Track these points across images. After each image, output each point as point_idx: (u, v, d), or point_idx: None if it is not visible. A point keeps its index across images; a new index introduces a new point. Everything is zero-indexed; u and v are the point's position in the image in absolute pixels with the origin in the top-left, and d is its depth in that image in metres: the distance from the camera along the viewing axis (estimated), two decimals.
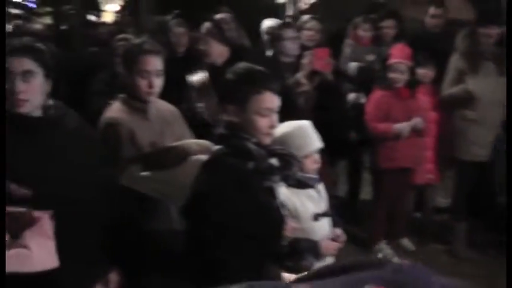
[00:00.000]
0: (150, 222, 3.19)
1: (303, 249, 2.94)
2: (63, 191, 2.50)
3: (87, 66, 5.33)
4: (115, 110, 3.28)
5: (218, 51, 4.47)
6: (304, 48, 5.31)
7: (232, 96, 2.65)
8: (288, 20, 7.73)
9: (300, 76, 4.97)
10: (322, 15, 6.68)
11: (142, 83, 3.23)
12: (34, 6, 18.10)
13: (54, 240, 2.16)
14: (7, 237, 2.01)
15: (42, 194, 2.33)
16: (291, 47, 5.23)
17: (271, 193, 2.74)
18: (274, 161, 2.68)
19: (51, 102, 2.69)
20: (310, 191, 3.23)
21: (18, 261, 1.94)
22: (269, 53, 5.79)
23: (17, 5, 18.01)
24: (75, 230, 2.50)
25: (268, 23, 6.33)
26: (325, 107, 4.98)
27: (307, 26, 5.75)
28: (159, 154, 3.13)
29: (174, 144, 3.19)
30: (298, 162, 2.77)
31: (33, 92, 2.55)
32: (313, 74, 5.04)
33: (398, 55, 5.06)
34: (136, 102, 3.27)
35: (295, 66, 5.14)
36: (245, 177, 2.58)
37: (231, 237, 2.52)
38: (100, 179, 2.75)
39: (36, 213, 2.12)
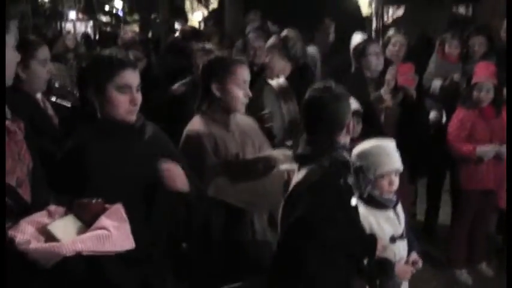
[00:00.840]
0: (234, 232, 3.23)
1: (390, 268, 2.97)
2: (145, 198, 2.58)
3: (167, 73, 5.44)
4: (197, 123, 3.30)
5: (280, 67, 4.48)
6: (388, 63, 5.25)
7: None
8: (372, 34, 7.67)
9: (383, 92, 4.91)
10: (405, 29, 6.61)
11: (240, 94, 3.26)
12: (122, 14, 18.74)
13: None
14: (80, 227, 2.09)
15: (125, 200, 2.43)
16: (375, 62, 5.19)
17: (357, 211, 2.81)
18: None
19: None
20: (388, 212, 3.17)
21: (98, 241, 2.01)
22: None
23: (107, 13, 18.72)
24: (151, 235, 2.57)
25: (357, 38, 6.27)
26: (407, 123, 4.90)
27: (393, 41, 5.67)
28: (247, 165, 3.18)
29: (261, 155, 3.25)
30: (369, 177, 2.86)
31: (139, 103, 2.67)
32: (396, 89, 4.97)
33: (483, 73, 4.92)
34: (219, 115, 3.29)
35: (379, 82, 5.08)
36: (343, 195, 2.65)
37: (331, 255, 2.61)
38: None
39: (107, 204, 2.20)
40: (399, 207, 3.23)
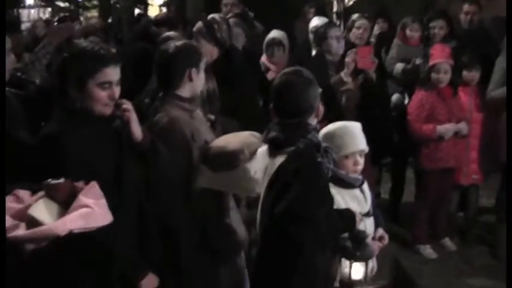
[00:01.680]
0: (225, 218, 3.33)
1: (364, 237, 3.08)
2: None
3: (137, 62, 5.41)
4: (171, 110, 3.27)
5: (207, 51, 4.42)
6: (350, 46, 5.33)
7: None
8: (334, 17, 7.73)
9: (343, 74, 4.98)
10: (367, 12, 6.70)
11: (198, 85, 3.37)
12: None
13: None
14: (56, 207, 2.13)
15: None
16: (335, 45, 5.26)
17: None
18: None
19: None
20: (355, 191, 3.25)
21: (85, 218, 2.07)
22: (314, 51, 5.87)
23: None
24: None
25: (315, 21, 6.34)
26: (368, 106, 5.01)
27: (357, 24, 5.73)
28: (231, 154, 3.11)
29: (241, 141, 3.17)
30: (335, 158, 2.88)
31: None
32: (356, 72, 5.05)
33: (439, 55, 5.08)
34: (185, 103, 3.30)
35: (340, 65, 5.15)
36: (327, 175, 2.75)
37: (323, 235, 2.71)
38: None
39: (79, 183, 2.24)
40: (365, 186, 3.31)
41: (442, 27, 5.85)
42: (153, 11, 14.64)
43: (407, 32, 6.15)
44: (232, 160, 3.03)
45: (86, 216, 2.09)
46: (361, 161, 3.26)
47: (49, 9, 16.38)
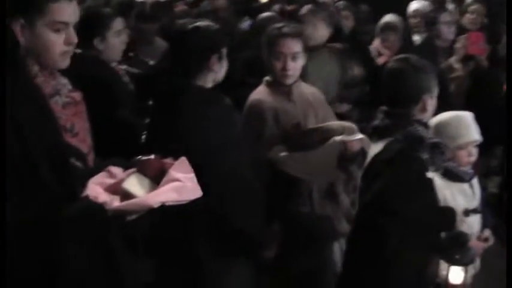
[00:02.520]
0: (293, 203, 3.28)
1: (466, 241, 2.92)
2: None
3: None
4: (260, 92, 3.40)
5: (319, 32, 4.39)
6: (463, 31, 5.16)
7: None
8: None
9: (453, 61, 4.82)
10: None
11: (277, 65, 3.32)
12: None
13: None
14: (148, 182, 2.16)
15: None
16: (446, 30, 5.09)
17: (433, 185, 2.77)
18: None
19: None
20: (463, 185, 3.13)
21: (177, 191, 2.11)
22: (418, 36, 5.67)
23: None
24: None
25: (415, 5, 6.10)
26: (478, 93, 4.84)
27: (470, 9, 5.53)
28: (303, 135, 3.22)
29: (319, 125, 3.28)
30: (446, 153, 2.75)
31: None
32: (467, 59, 4.86)
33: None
34: (280, 85, 3.37)
35: (450, 51, 5.00)
36: (425, 170, 2.63)
37: (412, 232, 2.58)
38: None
39: (167, 160, 2.26)
40: (475, 181, 3.19)
41: None
42: None
43: None
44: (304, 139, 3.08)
45: (177, 189, 2.14)
46: (475, 152, 3.14)
47: None
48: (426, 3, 6.14)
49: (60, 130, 2.04)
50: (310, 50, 3.78)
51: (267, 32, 3.47)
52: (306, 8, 4.51)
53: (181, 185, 2.13)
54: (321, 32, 4.35)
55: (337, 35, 4.57)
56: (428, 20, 5.40)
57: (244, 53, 4.50)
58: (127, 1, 5.82)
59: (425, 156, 2.61)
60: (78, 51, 2.72)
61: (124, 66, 3.90)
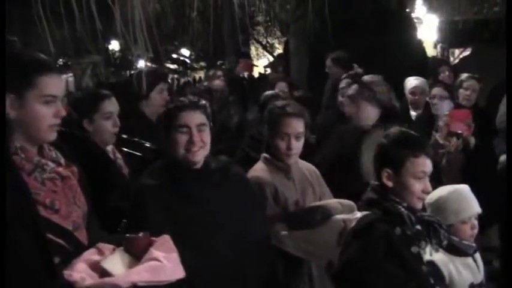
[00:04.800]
0: (293, 282, 3.24)
1: None
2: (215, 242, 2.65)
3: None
4: (259, 169, 3.38)
5: (368, 114, 4.31)
6: (458, 106, 5.21)
7: (389, 161, 2.71)
8: (440, 77, 7.56)
9: (438, 137, 4.82)
10: (473, 70, 6.54)
11: (282, 145, 3.32)
12: (188, 61, 19.18)
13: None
14: (130, 261, 2.15)
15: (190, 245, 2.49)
16: (439, 105, 5.14)
17: (419, 259, 2.74)
18: (419, 227, 2.70)
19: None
20: (467, 259, 3.15)
21: (152, 272, 2.08)
22: (414, 112, 5.74)
23: (174, 61, 19.18)
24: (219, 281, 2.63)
25: (413, 81, 6.21)
26: (471, 169, 4.84)
27: (465, 85, 5.61)
28: (303, 213, 3.20)
29: (319, 203, 3.26)
30: (444, 230, 2.76)
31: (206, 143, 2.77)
32: (451, 135, 4.86)
33: None
34: (280, 162, 3.36)
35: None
36: (393, 243, 2.60)
37: None
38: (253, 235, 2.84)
39: (153, 238, 2.25)
40: (478, 255, 3.21)
41: None
42: (256, 72, 14.97)
43: None
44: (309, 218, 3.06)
45: (153, 269, 2.09)
46: (477, 224, 3.17)
47: None
48: (422, 79, 6.26)
49: (34, 206, 2.07)
50: (362, 132, 3.84)
51: (270, 110, 3.47)
52: (352, 89, 4.48)
53: (158, 264, 2.10)
54: (366, 112, 4.27)
55: (391, 112, 4.40)
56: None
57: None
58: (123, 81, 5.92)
59: (412, 230, 2.63)
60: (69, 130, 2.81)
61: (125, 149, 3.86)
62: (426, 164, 2.71)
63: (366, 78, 4.57)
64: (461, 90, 5.55)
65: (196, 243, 2.57)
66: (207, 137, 2.79)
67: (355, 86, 4.48)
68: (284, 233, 3.12)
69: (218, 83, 6.87)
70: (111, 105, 3.50)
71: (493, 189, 4.92)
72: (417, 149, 2.71)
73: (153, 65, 17.22)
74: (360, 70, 6.32)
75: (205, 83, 7.21)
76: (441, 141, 4.77)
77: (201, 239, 2.62)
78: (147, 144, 4.02)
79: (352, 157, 3.93)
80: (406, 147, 2.72)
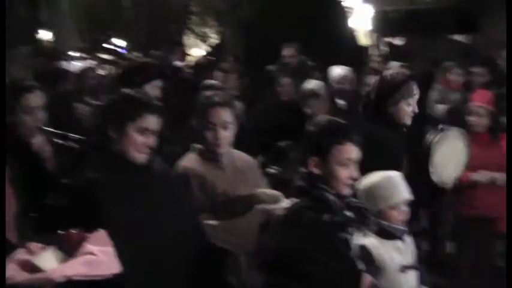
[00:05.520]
0: (222, 274, 3.21)
1: None
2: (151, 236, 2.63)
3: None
4: (188, 159, 3.37)
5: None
6: None
7: (315, 148, 2.73)
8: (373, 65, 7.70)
9: None
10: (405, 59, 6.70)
11: (210, 135, 3.31)
12: (124, 51, 18.90)
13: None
14: (62, 257, 2.13)
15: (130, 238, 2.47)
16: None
17: (347, 245, 2.79)
18: (349, 213, 2.75)
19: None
20: (398, 243, 3.21)
21: (86, 265, 2.06)
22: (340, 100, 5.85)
23: (109, 51, 18.85)
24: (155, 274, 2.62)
25: (337, 70, 6.28)
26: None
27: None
28: (227, 203, 3.20)
29: (243, 193, 3.25)
30: (372, 215, 2.87)
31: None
32: None
33: (478, 99, 5.00)
34: (209, 153, 3.35)
35: None
36: (321, 230, 2.65)
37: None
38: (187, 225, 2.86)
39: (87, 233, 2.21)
40: (409, 238, 3.27)
41: (485, 74, 5.80)
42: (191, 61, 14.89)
43: (451, 76, 6.13)
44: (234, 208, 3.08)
45: (87, 263, 2.07)
46: (406, 210, 3.23)
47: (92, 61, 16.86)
48: (347, 68, 6.32)
49: None
50: None
51: (198, 101, 3.47)
52: None
53: (92, 258, 2.08)
54: None
55: None
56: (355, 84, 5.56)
57: None
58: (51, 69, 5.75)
59: (337, 218, 2.68)
60: None
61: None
62: (352, 151, 2.75)
63: None
64: None
65: (136, 237, 2.57)
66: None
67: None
68: (207, 223, 3.10)
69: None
70: (32, 100, 3.38)
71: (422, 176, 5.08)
72: (343, 137, 2.74)
73: (85, 55, 16.95)
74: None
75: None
76: None
77: (142, 233, 2.61)
78: (76, 136, 3.92)
79: None
80: (331, 135, 2.75)
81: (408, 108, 3.84)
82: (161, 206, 2.77)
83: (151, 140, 2.74)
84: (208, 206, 3.19)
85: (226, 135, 3.35)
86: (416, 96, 3.90)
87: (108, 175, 2.65)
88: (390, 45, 14.16)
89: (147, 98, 2.86)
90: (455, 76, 6.15)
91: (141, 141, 2.70)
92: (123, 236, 2.46)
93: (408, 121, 3.89)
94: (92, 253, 2.11)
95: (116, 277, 2.15)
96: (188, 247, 2.83)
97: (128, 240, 2.48)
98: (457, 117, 5.47)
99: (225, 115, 3.34)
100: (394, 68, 5.95)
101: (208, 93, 3.51)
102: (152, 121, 2.74)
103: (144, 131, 2.72)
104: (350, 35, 10.63)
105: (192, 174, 3.25)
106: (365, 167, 2.95)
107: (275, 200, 3.05)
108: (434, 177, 4.16)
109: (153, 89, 4.10)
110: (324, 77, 6.41)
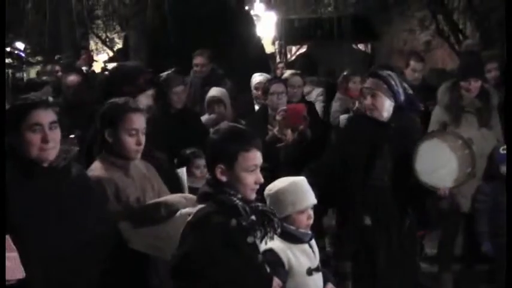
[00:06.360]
0: (142, 279, 3.21)
1: None
2: (60, 241, 2.63)
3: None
4: (97, 168, 3.28)
5: (385, 107, 4.36)
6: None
7: (221, 156, 2.77)
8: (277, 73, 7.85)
9: (276, 132, 4.97)
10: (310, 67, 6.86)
11: (131, 141, 3.25)
12: (23, 55, 18.26)
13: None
14: None
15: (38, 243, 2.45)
16: (276, 101, 5.30)
17: (255, 249, 2.85)
18: (254, 218, 2.79)
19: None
20: (304, 246, 3.28)
21: None
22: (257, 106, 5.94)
23: (8, 55, 18.14)
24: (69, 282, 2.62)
25: (258, 77, 6.42)
26: (307, 160, 4.99)
27: (290, 82, 5.81)
28: (147, 209, 3.17)
29: (162, 199, 3.24)
30: (278, 219, 2.89)
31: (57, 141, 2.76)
32: (287, 128, 5.03)
33: None
34: (118, 160, 3.28)
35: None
36: (229, 234, 2.69)
37: None
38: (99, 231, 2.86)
39: None
40: (313, 241, 3.36)
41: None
42: (97, 67, 14.60)
43: (351, 85, 6.31)
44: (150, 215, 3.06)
45: None
46: (312, 214, 3.31)
47: None
48: (267, 75, 6.46)
49: None
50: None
51: (110, 107, 3.34)
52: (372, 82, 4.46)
53: None
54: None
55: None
56: (263, 90, 5.63)
57: None
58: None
59: (247, 220, 2.73)
60: None
61: None
62: (257, 157, 2.81)
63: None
64: (288, 88, 5.71)
65: (42, 240, 2.56)
66: (58, 135, 2.78)
67: (370, 79, 4.46)
68: (128, 229, 3.08)
69: (73, 78, 6.39)
70: (42, 116, 3.10)
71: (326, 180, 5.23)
72: (248, 144, 2.79)
73: None
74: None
75: (44, 78, 6.87)
76: (278, 135, 4.90)
77: (47, 236, 2.60)
78: None
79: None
80: (236, 143, 2.78)
81: None
82: (71, 211, 2.75)
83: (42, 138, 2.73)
84: (124, 213, 3.15)
85: (144, 141, 3.31)
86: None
87: (13, 181, 2.61)
88: (295, 53, 14.50)
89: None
90: (354, 84, 6.27)
91: (35, 140, 2.70)
92: (28, 242, 2.45)
93: None
94: None
95: (20, 283, 2.14)
96: (101, 253, 2.83)
97: (33, 246, 2.46)
98: None
99: (143, 121, 3.32)
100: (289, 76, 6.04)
101: (121, 99, 3.38)
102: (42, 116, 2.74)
103: (33, 126, 2.71)
104: (257, 43, 10.74)
105: (105, 183, 3.19)
106: None
107: (194, 203, 3.07)
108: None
109: (146, 98, 3.90)
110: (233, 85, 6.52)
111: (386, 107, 4.34)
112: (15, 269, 2.12)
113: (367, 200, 4.37)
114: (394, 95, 4.33)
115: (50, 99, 2.82)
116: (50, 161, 2.76)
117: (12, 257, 2.14)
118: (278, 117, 4.95)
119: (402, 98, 4.37)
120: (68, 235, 2.67)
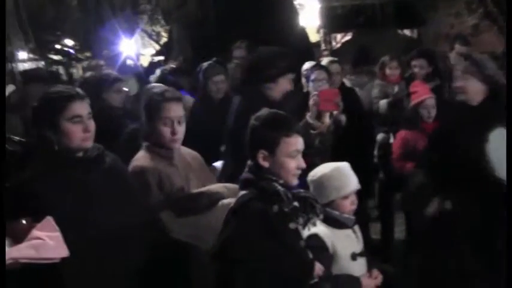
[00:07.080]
0: (183, 267, 3.23)
1: (342, 285, 3.07)
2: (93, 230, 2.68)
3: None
4: (141, 157, 3.35)
5: (476, 90, 4.09)
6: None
7: (263, 141, 2.80)
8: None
9: (308, 117, 4.94)
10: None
11: (166, 131, 3.32)
12: (73, 52, 18.59)
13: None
14: (11, 243, 2.18)
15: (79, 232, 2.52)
16: (318, 88, 5.25)
17: (297, 235, 2.87)
18: (297, 204, 2.81)
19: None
20: (348, 231, 3.30)
21: (33, 249, 2.08)
22: None
23: (58, 52, 18.51)
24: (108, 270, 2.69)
25: (307, 65, 6.39)
26: (343, 147, 4.90)
27: (329, 70, 5.72)
28: (190, 199, 3.22)
29: (205, 188, 3.29)
30: (320, 205, 2.91)
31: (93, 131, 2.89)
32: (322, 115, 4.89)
33: (424, 91, 5.11)
34: (162, 150, 3.35)
35: None
36: (271, 221, 2.71)
37: (261, 280, 2.66)
38: (138, 219, 2.91)
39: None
40: (357, 226, 3.37)
41: (423, 66, 5.91)
42: (144, 61, 14.78)
43: (387, 70, 6.25)
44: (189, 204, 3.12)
45: (35, 246, 2.11)
46: (356, 200, 3.33)
47: (42, 62, 16.58)
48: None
49: None
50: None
51: (149, 98, 3.45)
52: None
53: (40, 242, 2.12)
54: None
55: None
56: (306, 77, 5.61)
57: None
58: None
59: (289, 207, 2.74)
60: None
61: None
62: (298, 142, 2.83)
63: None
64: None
65: (76, 228, 2.60)
66: (94, 125, 2.88)
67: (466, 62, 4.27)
68: (171, 218, 3.13)
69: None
70: (81, 107, 3.16)
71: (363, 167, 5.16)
72: (289, 129, 2.82)
73: (35, 56, 16.64)
74: None
75: (89, 73, 7.01)
76: (310, 121, 4.85)
77: (81, 225, 2.65)
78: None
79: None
80: (278, 128, 2.81)
81: None
82: (105, 199, 2.81)
83: (84, 128, 2.82)
84: (167, 203, 3.19)
85: (181, 129, 3.36)
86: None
87: (48, 172, 2.71)
88: (340, 41, 14.37)
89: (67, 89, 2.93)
90: (391, 70, 6.23)
91: (74, 130, 2.80)
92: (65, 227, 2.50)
93: None
94: (39, 237, 2.13)
95: (64, 261, 2.20)
96: (142, 241, 2.88)
97: (70, 231, 2.50)
98: (398, 110, 5.62)
99: (179, 109, 3.37)
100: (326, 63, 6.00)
101: (158, 89, 3.49)
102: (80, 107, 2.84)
103: (74, 118, 2.80)
104: (301, 32, 10.68)
105: (148, 172, 3.24)
106: None
107: (236, 193, 3.05)
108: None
109: (286, 82, 3.94)
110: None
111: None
112: (59, 248, 2.17)
113: None
114: None
115: (80, 91, 2.87)
116: (86, 150, 2.85)
117: (56, 236, 2.20)
118: (310, 102, 4.90)
119: None
120: (102, 223, 2.72)
